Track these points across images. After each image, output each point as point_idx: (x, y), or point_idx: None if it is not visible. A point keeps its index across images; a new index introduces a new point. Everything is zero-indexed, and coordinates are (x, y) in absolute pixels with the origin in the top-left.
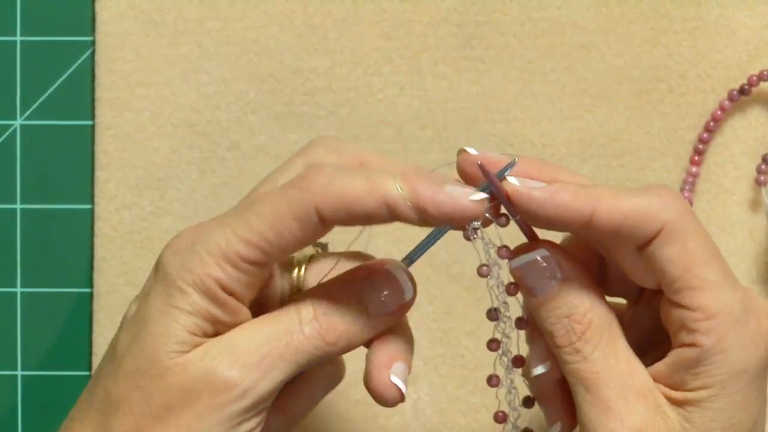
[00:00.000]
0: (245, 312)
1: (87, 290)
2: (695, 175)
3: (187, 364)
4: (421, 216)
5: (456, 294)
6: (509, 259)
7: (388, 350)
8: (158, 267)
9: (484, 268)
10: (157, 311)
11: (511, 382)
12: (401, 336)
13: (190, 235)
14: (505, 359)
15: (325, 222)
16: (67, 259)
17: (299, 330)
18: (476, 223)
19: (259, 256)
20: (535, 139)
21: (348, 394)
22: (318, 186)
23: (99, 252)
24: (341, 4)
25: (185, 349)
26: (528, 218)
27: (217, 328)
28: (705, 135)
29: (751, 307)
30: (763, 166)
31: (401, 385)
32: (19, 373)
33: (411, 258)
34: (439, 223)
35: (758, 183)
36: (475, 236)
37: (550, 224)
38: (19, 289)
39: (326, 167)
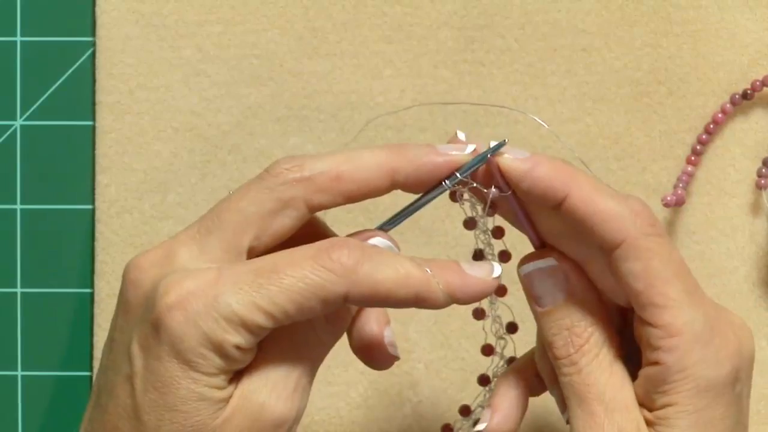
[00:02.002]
0: (253, 352)
1: (87, 290)
2: (690, 174)
3: (233, 416)
4: (452, 302)
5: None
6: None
7: (374, 319)
8: (162, 327)
9: (471, 220)
10: (182, 378)
11: (495, 311)
12: None
13: (201, 298)
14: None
15: (348, 303)
16: (67, 260)
17: (317, 340)
18: (464, 189)
19: (275, 325)
20: (536, 142)
21: (349, 397)
22: (349, 271)
23: (100, 255)
24: (342, 7)
25: (222, 405)
26: (514, 190)
27: (233, 371)
28: (704, 136)
29: (716, 325)
30: (763, 170)
31: (397, 352)
32: (19, 373)
33: (385, 227)
34: (464, 304)
35: (758, 186)
36: (463, 200)
37: (528, 197)
38: (19, 290)
39: (355, 246)
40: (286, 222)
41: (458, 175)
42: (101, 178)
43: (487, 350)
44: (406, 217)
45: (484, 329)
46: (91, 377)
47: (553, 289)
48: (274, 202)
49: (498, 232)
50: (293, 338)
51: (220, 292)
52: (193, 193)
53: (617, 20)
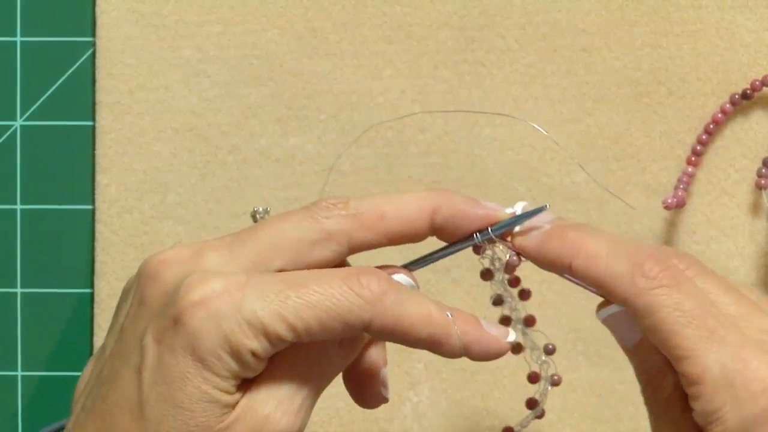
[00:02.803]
0: (264, 362)
1: (87, 291)
2: (690, 175)
3: (236, 423)
4: (464, 353)
5: (457, 297)
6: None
7: (372, 358)
8: (182, 323)
9: (488, 272)
10: (194, 376)
11: (531, 341)
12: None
13: (227, 300)
14: (519, 326)
15: (367, 332)
16: (67, 260)
17: (328, 362)
18: (488, 246)
19: (295, 339)
20: (536, 143)
21: (349, 397)
22: (376, 299)
23: (100, 255)
24: (342, 7)
25: (227, 410)
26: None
27: (242, 378)
28: (704, 137)
29: (743, 364)
30: (763, 170)
31: (387, 394)
32: (19, 373)
33: (412, 267)
34: (474, 359)
35: (758, 186)
36: (485, 254)
37: (545, 267)
38: (19, 290)
39: (384, 277)
40: (325, 254)
41: (490, 231)
42: (101, 178)
43: (533, 378)
44: (430, 263)
45: (526, 360)
46: None
47: (628, 332)
48: (317, 233)
49: (515, 282)
50: (306, 357)
51: (247, 296)
52: (193, 194)
53: (617, 20)
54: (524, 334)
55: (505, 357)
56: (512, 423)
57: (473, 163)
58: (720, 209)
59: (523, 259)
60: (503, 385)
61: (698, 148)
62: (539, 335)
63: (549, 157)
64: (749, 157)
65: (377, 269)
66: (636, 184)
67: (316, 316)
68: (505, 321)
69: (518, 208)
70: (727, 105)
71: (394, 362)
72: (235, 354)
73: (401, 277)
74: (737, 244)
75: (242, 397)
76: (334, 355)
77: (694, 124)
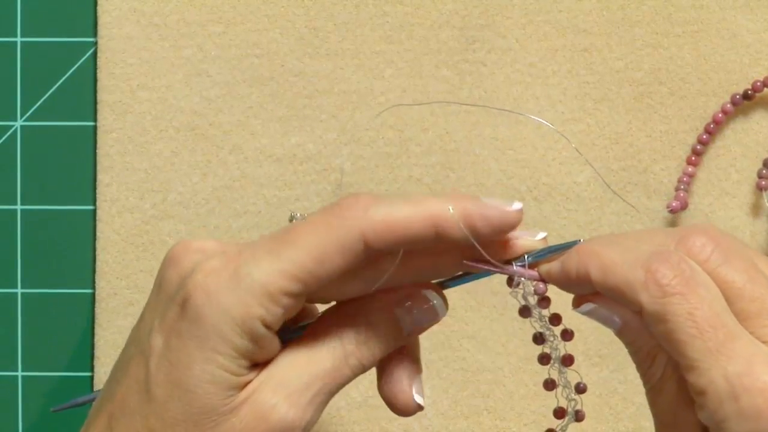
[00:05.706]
0: (276, 341)
1: (88, 291)
2: (691, 175)
3: (241, 407)
4: (471, 230)
5: (457, 297)
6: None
7: (407, 367)
8: (187, 306)
9: (526, 309)
10: (198, 357)
11: (566, 380)
12: (414, 346)
13: (223, 273)
14: (557, 365)
15: (369, 249)
16: (68, 260)
17: (345, 364)
18: (524, 279)
19: (300, 289)
20: (537, 142)
21: (350, 397)
22: (361, 212)
23: (101, 255)
24: (343, 7)
25: (234, 392)
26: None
27: (254, 360)
28: (704, 136)
29: (747, 380)
30: (764, 171)
31: (422, 401)
32: (19, 373)
33: (445, 285)
34: (485, 236)
35: (759, 188)
36: (518, 288)
37: (572, 289)
38: (19, 290)
39: (364, 194)
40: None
41: (526, 257)
42: (102, 177)
43: (559, 414)
44: (461, 284)
45: (556, 396)
46: (91, 377)
47: (609, 321)
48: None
49: (555, 319)
50: (323, 353)
51: (241, 264)
52: (194, 193)
53: (618, 20)
54: (561, 372)
55: (505, 358)
56: (512, 423)
57: (474, 162)
58: (720, 209)
59: (548, 285)
60: (504, 384)
61: (699, 148)
62: (573, 374)
63: (550, 156)
64: (750, 158)
65: (365, 192)
66: (637, 183)
67: (309, 253)
68: (545, 359)
69: (539, 236)
70: (728, 105)
71: None
72: (241, 327)
73: (430, 294)
74: None
75: (253, 380)
76: (351, 358)
77: (695, 124)
